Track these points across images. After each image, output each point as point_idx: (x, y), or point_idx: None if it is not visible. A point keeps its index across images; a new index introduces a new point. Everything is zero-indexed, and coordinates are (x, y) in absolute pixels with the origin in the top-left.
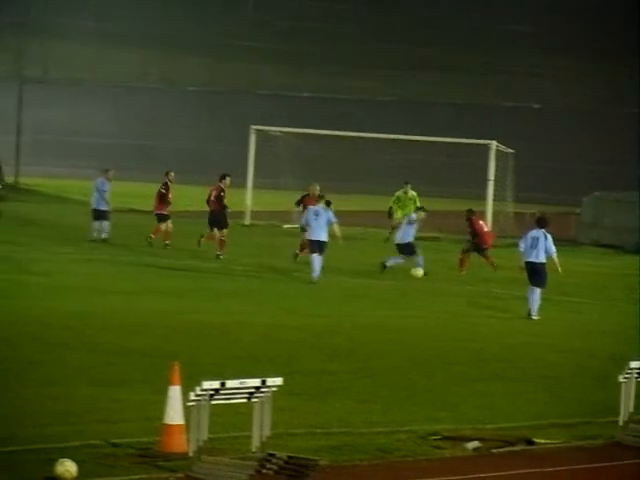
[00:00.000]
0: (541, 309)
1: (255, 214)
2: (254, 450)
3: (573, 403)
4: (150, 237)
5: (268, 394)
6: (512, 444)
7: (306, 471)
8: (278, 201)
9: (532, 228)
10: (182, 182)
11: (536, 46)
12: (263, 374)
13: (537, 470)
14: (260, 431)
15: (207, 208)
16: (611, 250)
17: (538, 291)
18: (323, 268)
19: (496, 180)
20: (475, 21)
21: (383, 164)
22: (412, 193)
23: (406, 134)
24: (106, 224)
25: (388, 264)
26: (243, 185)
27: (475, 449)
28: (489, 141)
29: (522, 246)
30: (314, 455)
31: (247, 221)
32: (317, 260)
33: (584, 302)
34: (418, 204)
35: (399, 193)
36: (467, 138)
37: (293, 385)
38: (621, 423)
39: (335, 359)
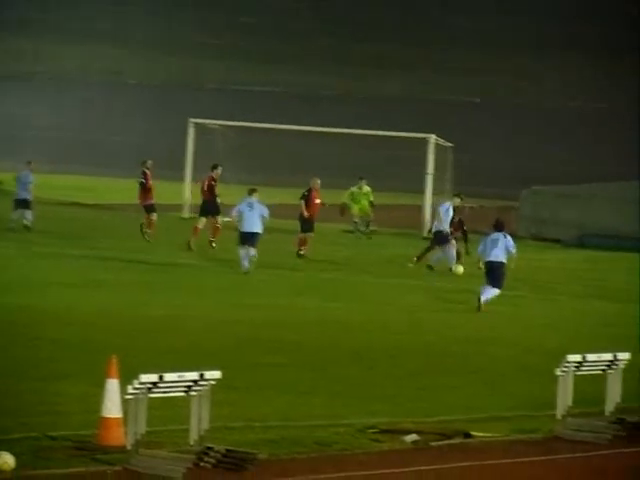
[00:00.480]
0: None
1: (194, 207)
2: (192, 443)
3: (512, 396)
4: (147, 232)
5: (206, 387)
6: (450, 437)
7: (244, 464)
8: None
9: (491, 232)
10: (121, 175)
11: (477, 41)
12: (202, 367)
13: (475, 463)
14: (198, 424)
15: (200, 198)
16: (550, 243)
17: (496, 292)
18: (267, 262)
19: (435, 174)
20: (416, 16)
21: (322, 157)
22: (366, 188)
23: (346, 128)
24: (29, 213)
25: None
26: (182, 179)
27: (413, 442)
28: (428, 135)
29: (481, 248)
30: (253, 449)
31: (186, 214)
32: (250, 252)
33: (523, 296)
34: (372, 199)
35: (353, 189)
36: (406, 132)
37: (232, 378)
38: (559, 417)
39: (275, 352)
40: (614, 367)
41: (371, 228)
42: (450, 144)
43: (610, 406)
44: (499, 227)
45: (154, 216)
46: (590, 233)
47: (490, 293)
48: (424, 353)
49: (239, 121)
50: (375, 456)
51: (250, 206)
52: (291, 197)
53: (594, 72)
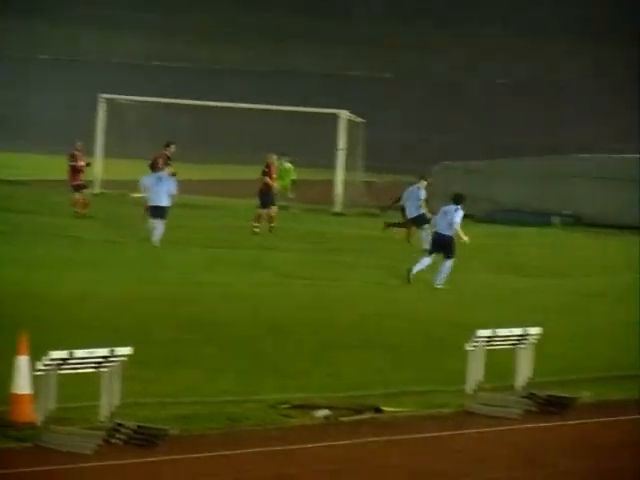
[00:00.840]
0: (389, 277)
1: (105, 183)
2: (103, 420)
3: (422, 371)
4: (76, 212)
5: (117, 364)
6: (361, 412)
7: (155, 440)
8: (127, 170)
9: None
10: (33, 151)
11: (391, 14)
12: (114, 344)
13: (386, 438)
14: (109, 401)
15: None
16: (468, 220)
17: (448, 263)
18: (181, 238)
19: (347, 150)
20: None
21: (237, 133)
22: (288, 165)
23: (260, 103)
24: None
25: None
26: (93, 154)
27: (325, 417)
28: (339, 110)
29: (434, 219)
30: (164, 425)
31: (97, 190)
32: (159, 225)
33: (430, 270)
34: (294, 177)
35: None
36: (318, 107)
37: (143, 355)
38: (469, 391)
39: (186, 328)
40: (524, 342)
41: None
42: (361, 120)
43: (521, 381)
44: (457, 200)
45: (84, 195)
46: (501, 209)
47: (444, 270)
48: (334, 328)
49: (153, 96)
50: (287, 431)
51: (159, 179)
52: (205, 173)
53: (499, 45)
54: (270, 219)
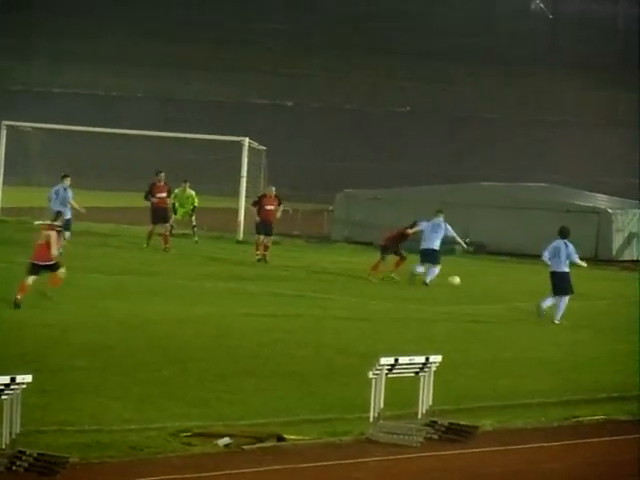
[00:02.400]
0: (290, 305)
1: (5, 210)
2: (4, 447)
3: (324, 399)
4: None
5: (17, 391)
6: (263, 440)
7: (56, 468)
8: (29, 197)
9: (555, 239)
10: None
11: (293, 42)
12: (12, 371)
13: (288, 466)
14: (10, 428)
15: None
16: (362, 246)
17: (565, 299)
18: (74, 266)
19: (249, 177)
20: (230, 18)
21: (138, 160)
22: (190, 192)
23: (161, 131)
24: None
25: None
26: None
27: (226, 445)
28: (242, 138)
29: (546, 255)
30: (64, 452)
31: None
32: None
33: (334, 298)
34: (196, 203)
35: (177, 191)
36: (220, 135)
37: (43, 382)
38: (371, 419)
39: (85, 355)
40: (426, 370)
41: (178, 231)
42: (263, 147)
43: (422, 409)
44: (563, 234)
45: None
46: None
47: (562, 307)
48: (236, 356)
49: (55, 124)
50: (188, 460)
51: (57, 193)
52: (105, 200)
53: (401, 72)
54: (264, 248)
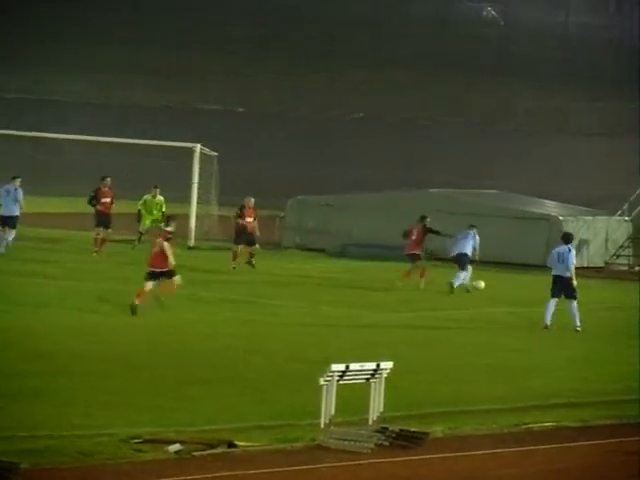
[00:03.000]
0: (242, 311)
1: None
2: None
3: (275, 405)
4: None
5: None
6: (213, 447)
7: (7, 474)
8: None
9: (559, 245)
10: None
11: (245, 49)
12: None
13: (238, 472)
14: None
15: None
16: (314, 253)
17: (574, 303)
18: (28, 270)
19: (200, 183)
20: (183, 24)
21: (85, 166)
22: (160, 198)
23: (110, 136)
24: None
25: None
26: None
27: (176, 452)
28: (193, 144)
29: (552, 261)
30: (16, 458)
31: None
32: (10, 234)
33: (285, 305)
34: (164, 209)
35: (147, 197)
36: (172, 141)
37: None
38: (322, 426)
39: (37, 361)
40: (377, 376)
41: (125, 237)
42: (215, 153)
43: (373, 415)
44: (567, 240)
45: None
46: (354, 243)
47: (574, 312)
48: (187, 362)
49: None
50: (138, 466)
51: (7, 191)
52: (52, 206)
53: (353, 80)
54: (250, 255)
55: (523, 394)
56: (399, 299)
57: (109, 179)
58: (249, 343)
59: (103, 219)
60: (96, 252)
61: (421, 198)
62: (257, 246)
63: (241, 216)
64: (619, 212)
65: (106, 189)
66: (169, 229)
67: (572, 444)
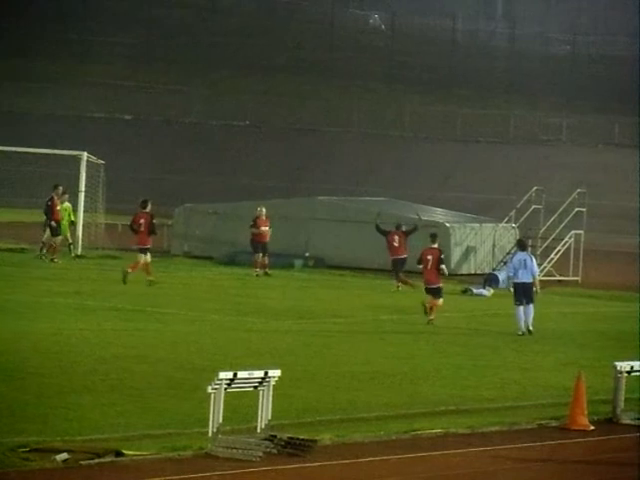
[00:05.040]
0: (130, 320)
1: None
2: None
3: (163, 414)
4: None
5: None
6: (101, 456)
7: None
8: None
9: (516, 251)
10: None
11: (132, 57)
12: None
13: None
14: None
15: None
16: (202, 261)
17: (531, 307)
18: None
19: (87, 191)
20: (67, 30)
21: None
22: (67, 205)
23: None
24: None
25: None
26: None
27: (64, 461)
28: (80, 152)
29: (512, 269)
30: None
31: None
32: None
33: (173, 313)
34: (73, 217)
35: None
36: (58, 149)
37: None
38: (210, 434)
39: None
40: (265, 384)
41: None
42: (102, 161)
43: (262, 423)
44: (523, 246)
45: None
46: (242, 250)
47: (530, 315)
48: (74, 372)
49: None
50: (26, 475)
51: None
52: None
53: (237, 86)
54: (263, 266)
55: (411, 401)
56: (287, 307)
57: (61, 187)
58: (136, 352)
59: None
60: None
61: (309, 206)
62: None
63: (255, 226)
64: (506, 219)
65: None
66: (148, 210)
67: (460, 450)
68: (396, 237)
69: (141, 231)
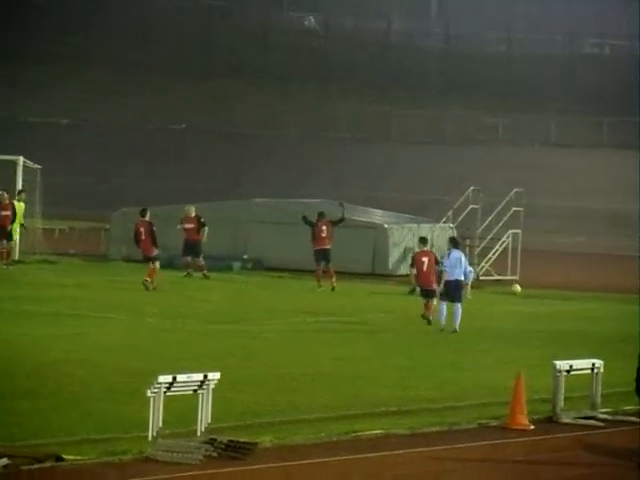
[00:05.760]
0: (68, 325)
1: None
2: None
3: (102, 418)
4: None
5: None
6: (41, 461)
7: None
8: None
9: (450, 249)
10: None
11: (68, 61)
12: None
13: None
14: None
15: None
16: (140, 265)
17: (459, 306)
18: None
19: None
20: (3, 34)
21: None
22: (21, 205)
23: None
24: None
25: None
26: None
27: (4, 466)
28: (16, 157)
29: (447, 264)
30: None
31: None
32: None
33: (111, 317)
34: (22, 221)
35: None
36: None
37: None
38: (150, 438)
39: None
40: (205, 387)
41: None
42: (38, 166)
43: (202, 426)
44: (456, 244)
45: None
46: (180, 254)
47: (458, 314)
48: (13, 376)
49: None
50: None
51: None
52: None
53: (173, 90)
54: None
55: (351, 402)
56: (226, 309)
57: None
58: (75, 356)
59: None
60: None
61: (246, 208)
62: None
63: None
64: (444, 219)
65: (7, 202)
66: (147, 219)
67: (401, 451)
68: (324, 227)
69: (142, 239)
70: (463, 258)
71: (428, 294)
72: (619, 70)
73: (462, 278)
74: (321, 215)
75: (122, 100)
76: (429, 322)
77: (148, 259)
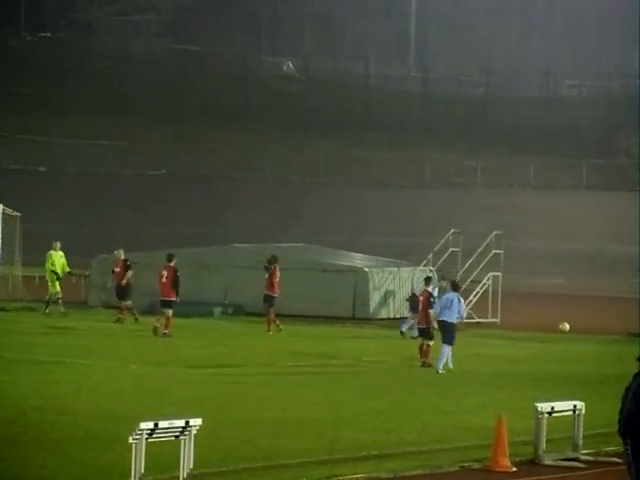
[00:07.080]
0: (49, 372)
1: None
2: None
3: (84, 465)
4: None
5: None
6: None
7: None
8: None
9: (447, 291)
10: None
11: (44, 109)
12: None
13: None
14: None
15: None
16: (115, 310)
17: (448, 348)
18: None
19: (3, 244)
20: None
21: None
22: (60, 253)
23: None
24: None
25: None
26: None
27: None
28: None
29: (438, 306)
30: None
31: None
32: None
33: (92, 364)
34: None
35: (52, 252)
36: None
37: None
38: None
39: None
40: (187, 433)
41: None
42: (18, 213)
43: (184, 472)
44: (455, 288)
45: None
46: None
47: (444, 355)
48: None
49: None
50: None
51: None
52: None
53: (150, 136)
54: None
55: (333, 446)
56: (207, 355)
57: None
58: (56, 403)
59: None
60: None
61: (226, 253)
62: None
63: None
64: (424, 262)
65: None
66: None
67: None
68: (277, 273)
69: (163, 282)
70: (456, 300)
71: (419, 332)
72: (597, 111)
73: (452, 320)
74: (273, 260)
75: (98, 147)
76: (423, 365)
77: (164, 304)
